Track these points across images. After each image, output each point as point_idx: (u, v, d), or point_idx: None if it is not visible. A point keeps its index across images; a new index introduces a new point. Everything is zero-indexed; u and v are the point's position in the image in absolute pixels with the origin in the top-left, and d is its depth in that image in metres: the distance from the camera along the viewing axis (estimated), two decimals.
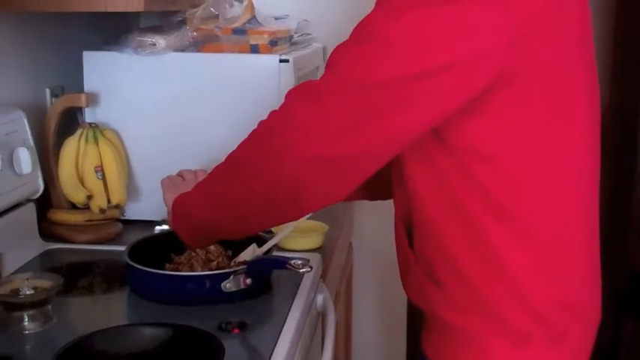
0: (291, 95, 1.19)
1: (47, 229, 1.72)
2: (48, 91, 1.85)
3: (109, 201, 1.76)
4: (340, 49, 1.14)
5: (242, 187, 1.25)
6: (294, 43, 2.06)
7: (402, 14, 1.07)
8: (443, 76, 1.07)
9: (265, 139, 1.21)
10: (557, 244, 1.21)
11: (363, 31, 1.12)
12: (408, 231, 1.30)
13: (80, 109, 1.81)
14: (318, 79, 1.16)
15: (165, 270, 1.46)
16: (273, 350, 1.21)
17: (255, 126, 1.25)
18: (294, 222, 1.48)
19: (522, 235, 1.19)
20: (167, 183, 1.49)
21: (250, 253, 1.48)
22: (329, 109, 1.11)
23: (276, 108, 1.20)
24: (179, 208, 1.39)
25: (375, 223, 2.48)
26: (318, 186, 1.16)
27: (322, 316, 1.59)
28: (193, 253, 1.49)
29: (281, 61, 1.77)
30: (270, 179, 1.19)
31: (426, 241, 1.26)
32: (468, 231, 1.19)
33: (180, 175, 1.54)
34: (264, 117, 1.23)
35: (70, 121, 1.82)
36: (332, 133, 1.11)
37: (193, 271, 1.45)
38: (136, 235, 1.63)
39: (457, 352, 1.26)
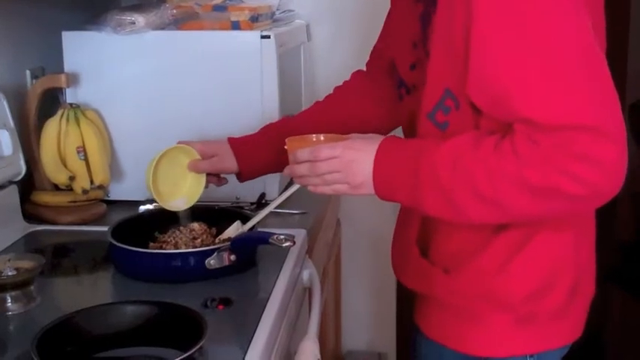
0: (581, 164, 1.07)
1: (31, 211, 1.71)
2: (28, 72, 1.83)
3: (91, 182, 1.74)
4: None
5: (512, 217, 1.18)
6: (276, 20, 2.04)
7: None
8: None
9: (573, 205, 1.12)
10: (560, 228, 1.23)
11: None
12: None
13: (61, 90, 1.80)
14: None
15: (149, 248, 1.45)
16: (257, 326, 1.20)
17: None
18: (282, 199, 1.45)
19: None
20: (340, 187, 1.29)
21: (234, 230, 1.47)
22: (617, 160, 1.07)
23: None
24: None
25: (362, 198, 2.46)
26: None
27: (309, 291, 1.59)
28: (177, 232, 1.49)
29: (262, 37, 1.75)
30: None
31: (443, 227, 1.25)
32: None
33: (325, 172, 1.27)
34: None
35: (52, 102, 1.80)
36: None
37: (177, 249, 1.44)
38: (120, 216, 1.62)
39: (458, 329, 1.27)
